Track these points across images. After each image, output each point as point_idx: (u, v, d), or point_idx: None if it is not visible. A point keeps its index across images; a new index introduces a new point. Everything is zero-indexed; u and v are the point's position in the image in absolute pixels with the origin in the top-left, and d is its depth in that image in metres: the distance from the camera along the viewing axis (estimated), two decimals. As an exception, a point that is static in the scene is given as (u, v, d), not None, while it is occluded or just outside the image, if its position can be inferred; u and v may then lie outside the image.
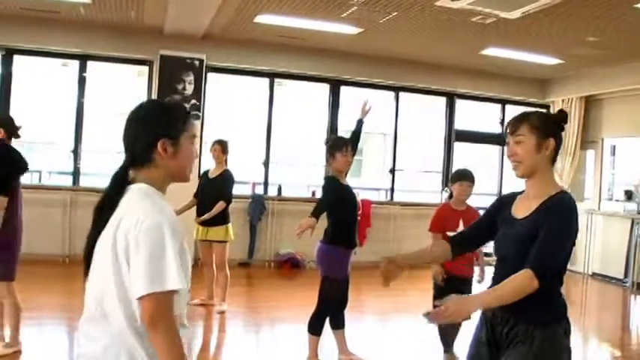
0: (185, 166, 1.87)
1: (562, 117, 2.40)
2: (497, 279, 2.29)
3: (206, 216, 6.12)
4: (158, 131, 1.80)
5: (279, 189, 9.41)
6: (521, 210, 2.35)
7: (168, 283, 1.66)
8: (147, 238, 1.66)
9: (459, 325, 4.57)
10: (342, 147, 4.66)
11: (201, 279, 6.44)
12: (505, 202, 2.50)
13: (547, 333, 2.23)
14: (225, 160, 6.36)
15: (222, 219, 6.21)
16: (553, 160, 2.35)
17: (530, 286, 2.13)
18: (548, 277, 2.17)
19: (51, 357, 4.83)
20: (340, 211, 4.62)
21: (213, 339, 5.79)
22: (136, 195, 1.78)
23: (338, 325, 4.81)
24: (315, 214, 4.41)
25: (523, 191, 2.44)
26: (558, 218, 2.21)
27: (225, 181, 6.27)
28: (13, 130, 4.50)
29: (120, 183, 1.82)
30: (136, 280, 1.66)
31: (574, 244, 2.30)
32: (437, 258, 2.59)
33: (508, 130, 2.36)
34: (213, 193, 6.20)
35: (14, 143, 4.57)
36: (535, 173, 2.32)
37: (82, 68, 8.69)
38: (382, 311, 6.81)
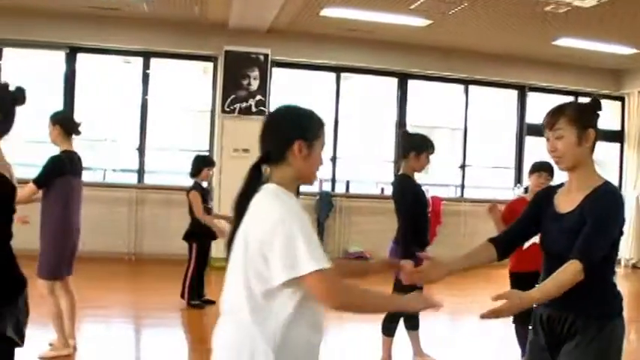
0: (314, 169, 2.01)
1: (598, 105, 2.35)
2: (546, 274, 2.25)
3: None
4: (297, 132, 1.94)
5: (347, 185, 9.32)
6: (565, 204, 2.31)
7: (317, 263, 1.77)
8: (285, 232, 1.79)
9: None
10: (430, 147, 4.52)
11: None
12: (545, 196, 2.45)
13: (606, 325, 2.22)
14: None
15: None
16: (593, 151, 2.31)
17: (575, 277, 2.10)
18: (595, 267, 2.13)
19: (117, 354, 4.86)
20: (414, 211, 4.48)
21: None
22: (267, 195, 1.91)
23: (413, 326, 4.72)
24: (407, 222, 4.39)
25: (562, 184, 2.41)
26: (603, 209, 2.20)
27: None
28: (71, 127, 4.52)
29: (254, 180, 1.97)
30: (278, 267, 1.79)
31: (622, 233, 2.26)
32: (482, 262, 2.48)
33: (546, 125, 2.31)
34: None
35: (78, 140, 4.61)
36: (578, 166, 2.29)
37: (146, 65, 8.79)
38: (455, 311, 6.61)
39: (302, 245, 1.77)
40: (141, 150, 8.82)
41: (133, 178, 8.88)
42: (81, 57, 8.62)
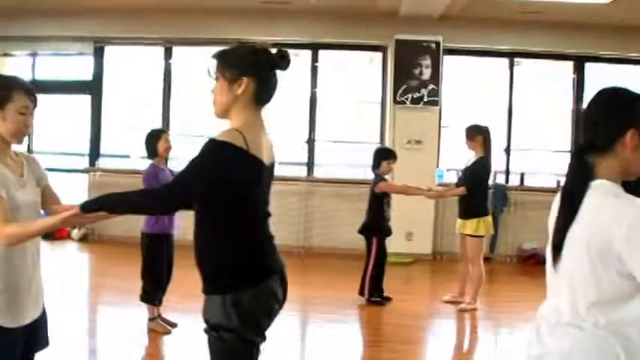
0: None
1: None
2: None
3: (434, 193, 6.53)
4: (631, 119, 1.80)
5: (522, 178, 9.14)
6: None
7: None
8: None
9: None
10: None
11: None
12: None
13: None
14: (485, 148, 6.17)
15: (474, 211, 6.16)
16: None
17: None
18: None
19: (293, 348, 5.13)
20: None
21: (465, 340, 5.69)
22: (603, 195, 1.78)
23: None
24: None
25: None
26: None
27: (472, 169, 6.23)
28: None
29: (583, 175, 1.83)
30: None
31: None
32: None
33: None
34: (465, 182, 6.26)
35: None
36: None
37: (314, 58, 8.96)
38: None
39: None
40: (310, 143, 9.03)
41: (302, 171, 9.12)
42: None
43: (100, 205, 2.25)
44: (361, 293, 6.24)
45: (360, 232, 6.38)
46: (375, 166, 6.31)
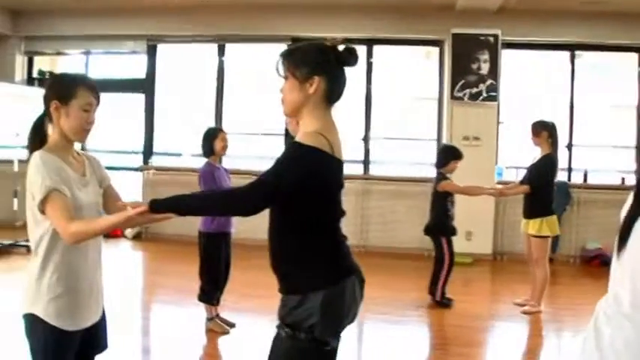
0: None
1: None
2: None
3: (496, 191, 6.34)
4: None
5: (585, 175, 8.96)
6: None
7: None
8: None
9: None
10: None
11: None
12: None
13: None
14: (551, 144, 6.02)
15: (537, 210, 6.02)
16: None
17: None
18: None
19: (359, 350, 5.15)
20: None
21: (529, 344, 5.51)
22: None
23: None
24: None
25: None
26: None
27: (537, 167, 6.10)
28: None
29: None
30: None
31: None
32: None
33: None
34: (529, 179, 6.12)
35: None
36: None
37: (369, 53, 8.91)
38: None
39: None
40: (366, 140, 8.99)
41: (358, 169, 9.08)
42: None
43: (173, 206, 2.20)
44: (432, 293, 6.18)
45: (427, 232, 6.33)
46: (442, 164, 6.20)
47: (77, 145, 2.56)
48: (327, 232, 2.31)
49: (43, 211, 2.27)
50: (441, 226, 6.19)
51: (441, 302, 6.13)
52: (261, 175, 2.19)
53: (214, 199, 2.31)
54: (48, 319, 2.31)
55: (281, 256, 2.31)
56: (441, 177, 6.15)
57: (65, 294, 2.34)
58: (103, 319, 2.57)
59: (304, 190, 2.17)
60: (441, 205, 6.14)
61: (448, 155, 6.24)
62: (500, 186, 6.99)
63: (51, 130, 2.46)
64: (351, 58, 2.32)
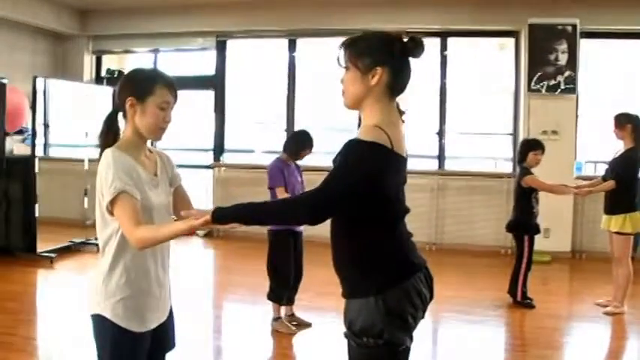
0: None
1: None
2: None
3: (584, 190, 6.09)
4: None
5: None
6: None
7: None
8: None
9: None
10: None
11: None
12: None
13: None
14: (635, 138, 5.87)
15: (620, 206, 5.86)
16: None
17: None
18: None
19: (421, 350, 4.95)
20: None
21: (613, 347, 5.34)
22: None
23: None
24: None
25: None
26: None
27: (620, 161, 5.94)
28: None
29: None
30: None
31: None
32: None
33: None
34: (612, 175, 5.95)
35: None
36: None
37: (443, 46, 8.88)
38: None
39: None
40: (440, 135, 8.98)
41: (433, 165, 9.08)
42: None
43: (235, 216, 2.15)
44: (512, 293, 6.11)
45: (509, 229, 6.26)
46: (522, 158, 6.10)
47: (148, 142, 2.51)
48: (389, 230, 2.25)
49: (111, 213, 2.24)
50: (524, 223, 6.08)
51: (522, 302, 6.04)
52: (323, 180, 2.12)
53: (274, 210, 2.25)
54: (116, 320, 2.30)
55: (343, 258, 2.28)
56: (525, 172, 6.03)
57: (134, 295, 2.33)
58: (170, 317, 2.55)
59: (367, 190, 2.11)
60: (526, 201, 6.02)
61: (525, 147, 6.15)
62: (583, 182, 6.87)
63: (123, 127, 2.42)
64: (416, 48, 2.22)
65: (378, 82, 2.19)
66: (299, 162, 5.23)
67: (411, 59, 2.24)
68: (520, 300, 6.03)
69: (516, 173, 6.43)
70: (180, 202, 2.53)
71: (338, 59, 2.27)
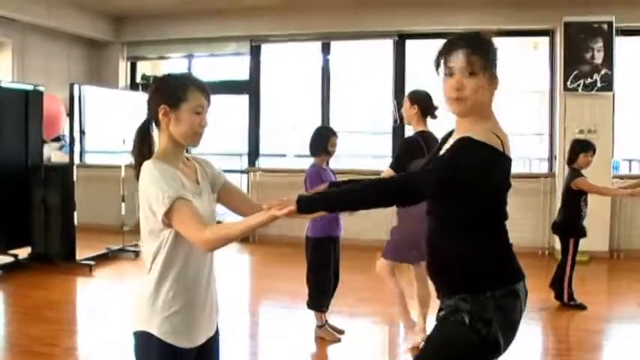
0: None
1: None
2: None
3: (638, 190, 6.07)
4: None
5: None
6: None
7: None
8: None
9: None
10: None
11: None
12: None
13: None
14: None
15: None
16: None
17: None
18: None
19: None
20: None
21: None
22: None
23: None
24: None
25: None
26: None
27: None
28: (429, 108, 4.81)
29: None
30: None
31: None
32: None
33: None
34: None
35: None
36: None
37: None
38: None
39: None
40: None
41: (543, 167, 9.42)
42: (410, 43, 9.27)
43: (322, 204, 2.16)
44: (558, 297, 6.20)
45: (555, 231, 6.41)
46: (572, 159, 6.17)
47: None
48: (498, 234, 2.31)
49: (169, 224, 2.19)
50: (571, 226, 6.15)
51: (570, 304, 6.11)
52: (429, 167, 2.24)
53: (369, 193, 2.19)
54: (164, 337, 2.27)
55: (448, 255, 2.31)
56: (576, 174, 6.11)
57: (182, 310, 2.29)
58: (216, 334, 2.51)
59: (476, 190, 2.17)
60: (574, 204, 6.10)
61: (575, 149, 6.23)
62: (632, 181, 6.91)
63: (157, 137, 2.40)
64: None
65: (496, 89, 2.26)
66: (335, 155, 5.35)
67: None
68: (567, 302, 6.12)
69: (561, 175, 6.38)
70: (236, 198, 2.53)
71: (437, 65, 2.26)
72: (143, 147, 2.38)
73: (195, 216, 2.15)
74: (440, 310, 2.34)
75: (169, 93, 2.32)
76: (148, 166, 2.25)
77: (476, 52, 2.18)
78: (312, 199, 2.15)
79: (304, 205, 2.09)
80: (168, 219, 2.17)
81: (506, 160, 2.22)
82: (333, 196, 2.29)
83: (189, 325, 2.31)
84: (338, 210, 2.31)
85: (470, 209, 2.23)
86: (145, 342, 2.30)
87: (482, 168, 2.14)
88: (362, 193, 2.19)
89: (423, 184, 2.19)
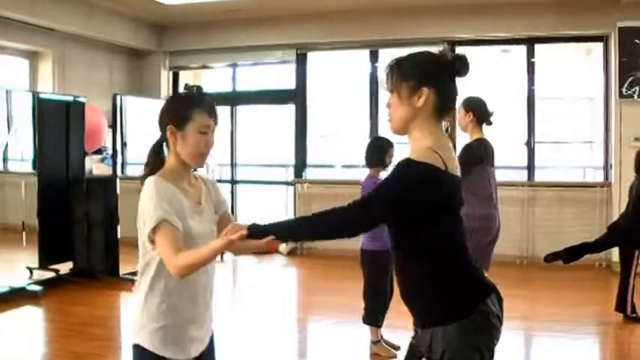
0: None
1: None
2: None
3: None
4: None
5: None
6: None
7: None
8: None
9: None
10: None
11: None
12: None
13: None
14: None
15: None
16: None
17: None
18: None
19: None
20: None
21: None
22: None
23: None
24: None
25: None
26: None
27: None
28: (484, 115, 4.99)
29: None
30: None
31: None
32: None
33: None
34: None
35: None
36: None
37: (530, 53, 9.38)
38: None
39: None
40: (529, 145, 9.44)
41: (522, 176, 9.58)
42: (460, 50, 9.41)
43: (272, 231, 2.25)
44: (620, 310, 6.19)
45: (619, 240, 6.41)
46: (638, 168, 6.25)
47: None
48: (453, 254, 2.32)
49: (152, 241, 2.33)
50: (636, 237, 6.15)
51: (631, 317, 6.12)
52: (366, 194, 2.28)
53: (314, 224, 2.30)
54: (154, 349, 2.39)
55: (416, 288, 2.35)
56: None
57: (173, 322, 2.41)
58: (211, 344, 2.62)
59: (424, 211, 2.21)
60: None
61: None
62: None
63: (167, 155, 2.53)
64: (463, 67, 2.34)
65: (425, 104, 2.28)
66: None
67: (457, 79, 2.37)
68: (630, 314, 6.13)
69: (617, 184, 6.43)
70: (225, 228, 2.54)
71: (385, 82, 2.37)
72: (155, 166, 2.51)
73: (174, 242, 2.28)
74: (413, 337, 2.45)
75: (176, 113, 2.46)
76: (149, 182, 2.38)
77: (392, 70, 2.36)
78: (263, 225, 2.28)
79: (255, 230, 2.24)
80: (152, 236, 2.32)
81: (450, 178, 2.26)
82: (285, 223, 2.40)
83: (182, 336, 2.43)
84: (287, 238, 2.52)
85: (421, 232, 2.27)
86: (138, 354, 2.43)
87: (419, 188, 2.18)
88: (310, 224, 2.33)
89: (359, 214, 2.26)
